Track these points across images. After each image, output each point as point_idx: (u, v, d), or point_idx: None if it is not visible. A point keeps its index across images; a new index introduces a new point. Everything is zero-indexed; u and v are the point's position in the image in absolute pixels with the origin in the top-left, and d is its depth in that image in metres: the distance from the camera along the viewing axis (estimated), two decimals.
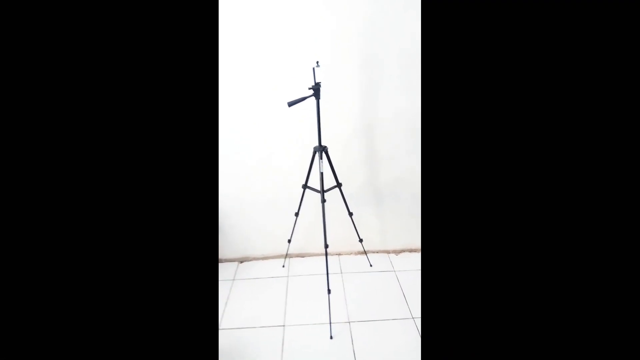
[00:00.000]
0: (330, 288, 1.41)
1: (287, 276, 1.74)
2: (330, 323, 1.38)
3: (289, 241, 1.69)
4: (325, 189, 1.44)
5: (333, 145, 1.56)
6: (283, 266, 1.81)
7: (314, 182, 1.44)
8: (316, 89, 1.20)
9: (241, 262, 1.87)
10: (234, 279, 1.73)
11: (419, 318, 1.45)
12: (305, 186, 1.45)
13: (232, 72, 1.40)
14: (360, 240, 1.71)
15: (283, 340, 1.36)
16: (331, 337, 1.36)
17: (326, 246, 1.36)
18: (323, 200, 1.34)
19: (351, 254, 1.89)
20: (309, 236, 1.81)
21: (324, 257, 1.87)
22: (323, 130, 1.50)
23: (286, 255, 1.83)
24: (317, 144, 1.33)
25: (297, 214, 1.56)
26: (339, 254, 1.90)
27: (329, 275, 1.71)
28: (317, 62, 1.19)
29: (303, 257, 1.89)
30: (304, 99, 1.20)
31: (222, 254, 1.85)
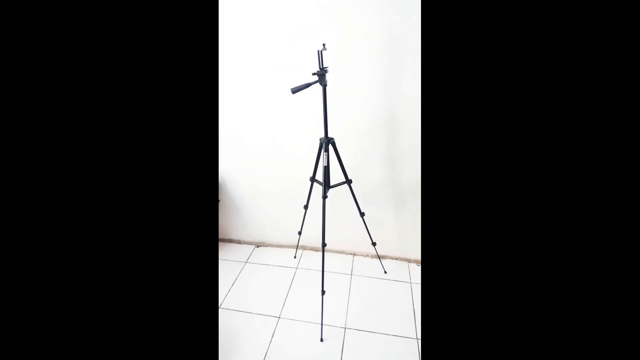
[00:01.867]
0: (326, 290, 1.33)
1: (296, 268, 1.72)
2: (322, 324, 1.31)
3: (299, 233, 1.65)
4: (333, 184, 1.34)
5: (348, 138, 1.44)
6: (294, 257, 1.79)
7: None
8: (321, 75, 1.10)
9: (257, 246, 1.91)
10: (246, 262, 1.78)
11: None
12: (313, 179, 1.37)
13: (246, 59, 1.38)
14: (374, 244, 1.57)
15: (274, 332, 1.35)
16: (321, 340, 1.29)
17: (324, 245, 1.28)
18: (324, 196, 1.25)
19: (367, 256, 1.76)
20: (325, 231, 1.73)
21: (338, 254, 1.80)
22: (338, 120, 1.39)
23: (297, 247, 1.80)
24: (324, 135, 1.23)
25: (306, 207, 1.50)
26: (354, 254, 1.79)
27: (336, 275, 1.64)
28: (324, 45, 1.08)
29: (317, 251, 1.83)
30: (308, 85, 1.11)
31: (239, 236, 1.91)
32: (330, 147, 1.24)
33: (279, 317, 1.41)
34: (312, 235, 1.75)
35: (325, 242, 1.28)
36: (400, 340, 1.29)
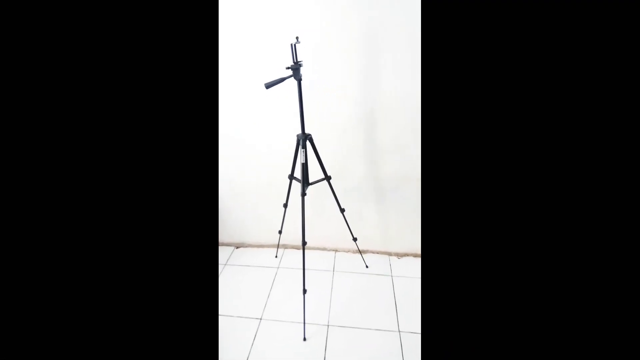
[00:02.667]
0: (309, 287, 1.31)
1: (277, 267, 1.69)
2: (304, 323, 1.30)
3: (280, 232, 1.62)
4: (312, 181, 1.32)
5: (327, 134, 1.42)
6: (276, 256, 1.76)
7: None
8: (295, 69, 1.07)
9: (237, 247, 1.86)
10: (225, 264, 1.73)
11: (405, 333, 1.29)
12: (291, 177, 1.34)
13: (220, 55, 1.33)
14: (354, 239, 1.57)
15: (256, 334, 1.32)
16: (304, 339, 1.28)
17: (304, 243, 1.26)
18: (303, 194, 1.23)
19: (349, 251, 1.76)
20: (306, 230, 1.71)
21: (320, 251, 1.79)
22: (319, 116, 1.37)
23: (278, 246, 1.77)
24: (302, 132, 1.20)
25: (285, 205, 1.47)
26: (336, 250, 1.78)
27: (318, 273, 1.63)
28: (297, 38, 1.05)
29: (299, 249, 1.81)
30: (282, 79, 1.08)
31: (219, 237, 1.86)
32: (308, 144, 1.22)
33: (261, 319, 1.38)
34: (293, 234, 1.72)
35: (307, 239, 1.27)
36: (383, 334, 1.30)
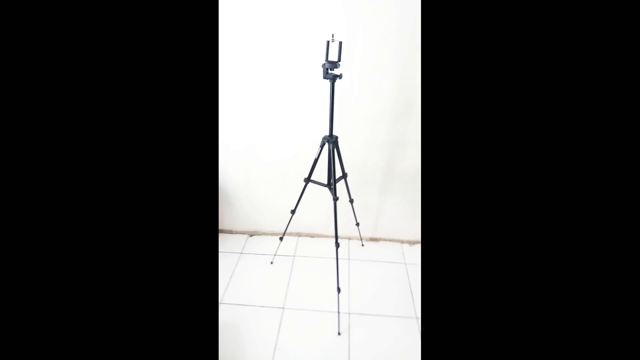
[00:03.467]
0: (323, 275, 1.37)
1: (294, 256, 1.73)
2: (338, 313, 1.36)
3: (281, 239, 1.64)
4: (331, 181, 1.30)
5: (349, 127, 1.38)
6: (280, 242, 1.75)
7: (320, 174, 1.31)
8: (330, 68, 0.98)
9: (251, 235, 1.87)
10: (241, 252, 1.75)
11: None
12: (308, 180, 1.29)
13: (241, 44, 1.20)
14: (357, 224, 1.64)
15: (280, 322, 1.38)
16: (339, 334, 1.33)
17: (337, 245, 1.27)
18: (335, 199, 1.20)
19: (363, 239, 1.81)
20: (321, 217, 1.73)
21: (335, 241, 1.83)
22: (337, 107, 1.30)
23: (278, 246, 1.79)
24: (328, 132, 1.15)
25: (293, 212, 1.43)
26: (349, 238, 1.83)
27: (334, 261, 1.68)
28: (333, 36, 0.95)
29: (312, 237, 1.84)
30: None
31: (232, 226, 1.86)
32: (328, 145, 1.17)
33: (284, 308, 1.44)
34: (306, 222, 1.74)
35: (319, 227, 1.25)
36: (401, 320, 1.38)
